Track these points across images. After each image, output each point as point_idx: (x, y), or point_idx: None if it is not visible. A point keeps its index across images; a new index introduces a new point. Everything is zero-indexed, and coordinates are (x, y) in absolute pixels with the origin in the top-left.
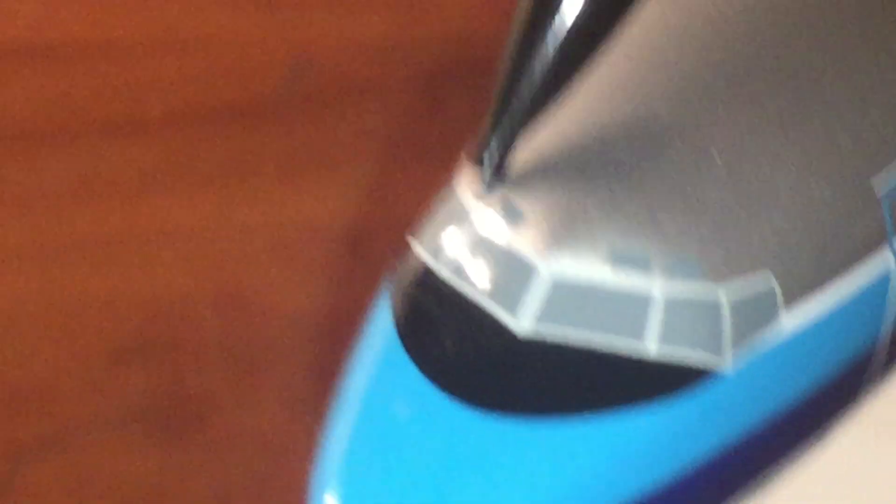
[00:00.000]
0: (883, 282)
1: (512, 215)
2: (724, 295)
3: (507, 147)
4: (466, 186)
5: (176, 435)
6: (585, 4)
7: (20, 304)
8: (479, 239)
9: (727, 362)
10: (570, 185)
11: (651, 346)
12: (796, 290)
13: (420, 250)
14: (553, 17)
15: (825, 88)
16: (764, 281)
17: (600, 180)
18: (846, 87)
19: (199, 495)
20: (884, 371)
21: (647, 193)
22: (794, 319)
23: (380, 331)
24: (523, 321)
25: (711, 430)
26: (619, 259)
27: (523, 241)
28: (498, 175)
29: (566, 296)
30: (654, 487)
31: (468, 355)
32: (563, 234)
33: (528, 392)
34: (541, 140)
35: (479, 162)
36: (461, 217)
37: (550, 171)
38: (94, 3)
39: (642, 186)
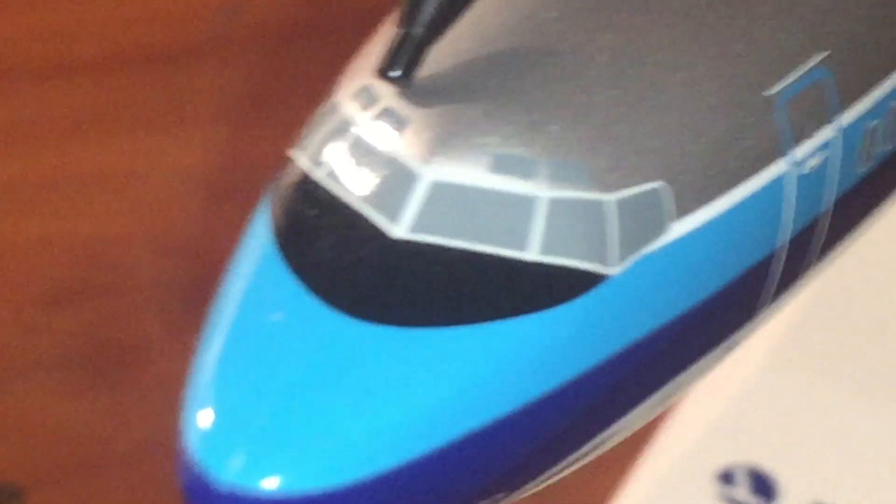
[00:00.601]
0: (779, 189)
1: (395, 122)
2: (610, 200)
3: (423, 47)
4: (349, 96)
5: (110, 378)
6: None
7: None
8: (360, 146)
9: (614, 269)
10: (455, 93)
11: (534, 252)
12: (687, 198)
13: (300, 158)
14: None
15: None
16: (653, 187)
17: (485, 88)
18: None
19: (134, 439)
20: (790, 284)
21: (532, 100)
22: (684, 226)
23: (257, 239)
24: (402, 227)
25: (599, 337)
26: (502, 165)
27: (406, 147)
28: (409, 76)
29: (447, 202)
30: (543, 396)
31: (346, 263)
32: (445, 140)
33: (407, 300)
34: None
35: (390, 62)
36: (343, 126)
37: (434, 78)
38: None
39: (527, 93)
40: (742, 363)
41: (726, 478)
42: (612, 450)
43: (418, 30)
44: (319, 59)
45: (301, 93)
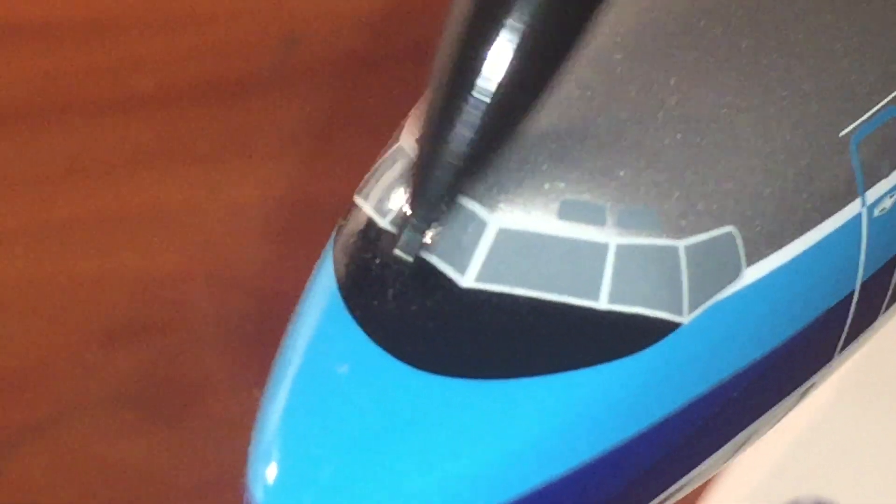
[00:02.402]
0: (853, 232)
1: None
2: (681, 247)
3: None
4: (413, 141)
5: (168, 418)
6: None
7: (9, 286)
8: None
9: (686, 317)
10: (521, 138)
11: (604, 300)
12: (760, 243)
13: (365, 206)
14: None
15: (789, 35)
16: (724, 232)
17: (552, 132)
18: (813, 35)
19: (192, 479)
20: (864, 327)
21: (600, 144)
22: (757, 272)
23: (322, 288)
24: (469, 277)
25: (672, 387)
26: (570, 211)
27: (472, 194)
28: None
29: (514, 249)
30: (612, 450)
31: (412, 313)
32: (512, 186)
33: (474, 352)
34: None
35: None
36: (407, 172)
37: None
38: None
39: (594, 136)
40: (810, 397)
41: None
42: None
43: (418, 216)
44: (377, 91)
45: (359, 126)
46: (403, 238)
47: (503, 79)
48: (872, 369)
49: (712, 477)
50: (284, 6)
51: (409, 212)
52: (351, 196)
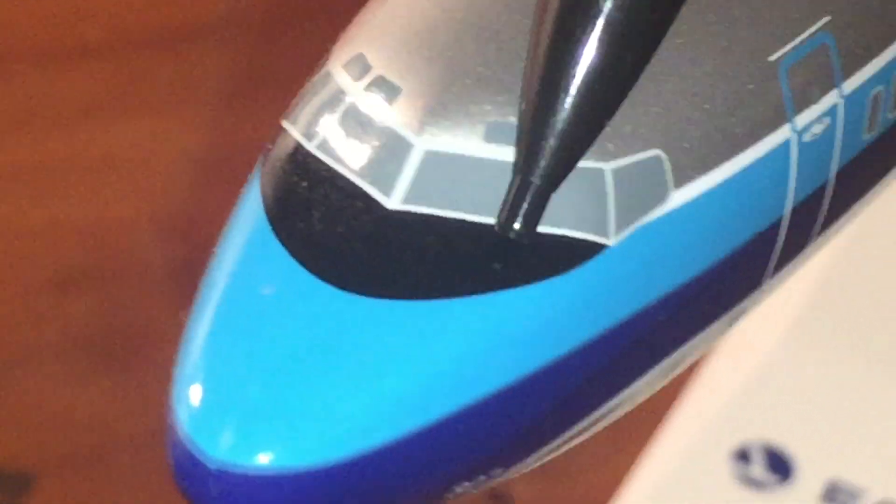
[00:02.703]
0: (782, 157)
1: (388, 92)
2: (608, 170)
3: (544, 197)
4: (341, 66)
5: (119, 362)
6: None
7: None
8: (353, 116)
9: (612, 239)
10: (448, 60)
11: None
12: (687, 167)
13: (292, 130)
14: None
15: None
16: (651, 156)
17: (480, 57)
18: None
19: (143, 423)
20: (795, 254)
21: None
22: (684, 195)
23: (248, 212)
24: (396, 199)
25: (599, 308)
26: (497, 134)
27: (398, 117)
28: (531, 229)
29: (441, 171)
30: (541, 369)
31: (339, 236)
32: (438, 109)
33: (401, 272)
34: (416, 13)
35: (510, 216)
36: (335, 96)
37: (427, 46)
38: None
39: (521, 60)
40: (756, 341)
41: (742, 456)
42: (627, 431)
43: (538, 179)
44: (322, 38)
45: (304, 72)
46: (520, 202)
47: (596, 75)
48: (818, 313)
49: (659, 423)
50: None
51: (521, 179)
52: None
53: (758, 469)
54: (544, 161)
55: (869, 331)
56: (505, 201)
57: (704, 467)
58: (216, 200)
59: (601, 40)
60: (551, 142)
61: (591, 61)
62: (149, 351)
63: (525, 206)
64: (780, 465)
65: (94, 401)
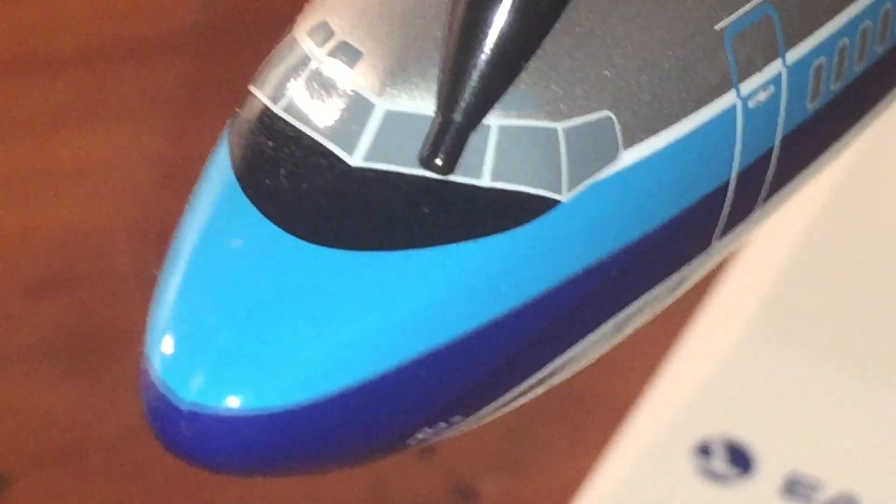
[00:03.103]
0: (728, 122)
1: (350, 56)
2: (560, 129)
3: (465, 134)
4: (305, 32)
5: (91, 367)
6: None
7: None
8: (317, 79)
9: (564, 195)
10: (407, 25)
11: (486, 178)
12: (636, 128)
13: (259, 94)
14: None
15: None
16: (601, 117)
17: (436, 19)
18: None
19: (117, 428)
20: (742, 218)
21: None
22: (634, 155)
23: (217, 171)
24: (358, 156)
25: (550, 262)
26: None
27: (360, 79)
28: (453, 165)
29: (401, 130)
30: (494, 320)
31: (305, 191)
32: (398, 71)
33: (363, 225)
34: None
35: (432, 152)
36: (301, 61)
37: (388, 13)
38: None
39: None
40: (718, 337)
41: (703, 450)
42: (590, 427)
43: (459, 116)
44: None
45: None
46: (443, 140)
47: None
48: (777, 310)
49: (622, 419)
50: None
51: (442, 117)
52: None
53: (719, 463)
54: (464, 101)
55: (827, 327)
56: (427, 139)
57: (667, 462)
58: (185, 206)
59: None
60: (471, 83)
61: (507, 7)
62: (120, 354)
63: (446, 142)
64: (740, 459)
65: (68, 403)
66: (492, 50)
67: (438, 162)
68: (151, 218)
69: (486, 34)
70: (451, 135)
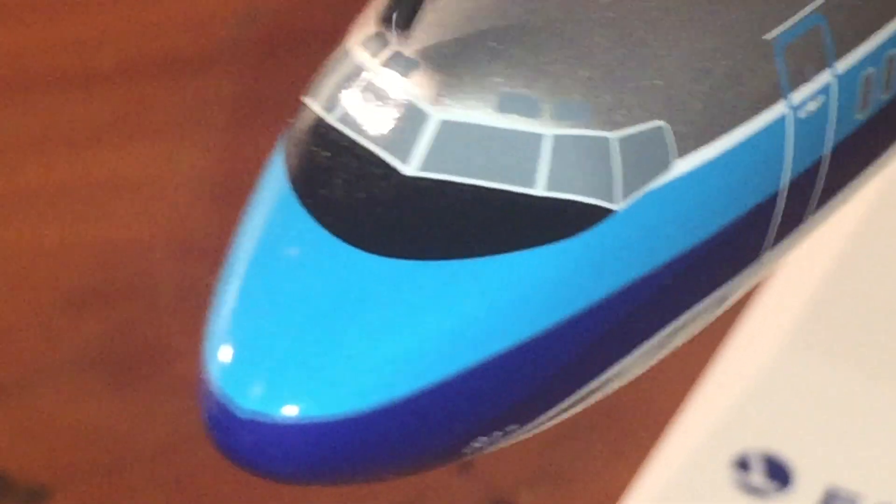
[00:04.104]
0: (778, 131)
1: (404, 66)
2: (613, 138)
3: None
4: (359, 43)
5: (132, 380)
6: None
7: None
8: (372, 90)
9: (618, 204)
10: (462, 36)
11: (541, 187)
12: (688, 138)
13: (313, 104)
14: None
15: None
16: (654, 126)
17: (490, 31)
18: None
19: (157, 441)
20: (791, 228)
21: (536, 41)
22: (686, 165)
23: (272, 181)
24: (413, 166)
25: (604, 270)
26: (508, 104)
27: (415, 89)
28: (409, 24)
29: (456, 140)
30: (548, 329)
31: (360, 201)
32: (453, 81)
33: (419, 235)
34: None
35: (391, 11)
36: (355, 71)
37: (441, 23)
38: None
39: (531, 34)
40: (757, 350)
41: (742, 464)
42: (629, 439)
43: None
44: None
45: None
46: (395, 4)
47: None
48: (820, 319)
49: (661, 431)
50: None
51: None
52: None
53: (757, 477)
54: None
55: (866, 339)
56: (387, 3)
57: (705, 475)
58: (226, 221)
59: None
60: None
61: None
62: (161, 368)
63: (406, 3)
64: (779, 473)
65: (108, 416)
66: None
67: (396, 20)
68: (191, 232)
69: None
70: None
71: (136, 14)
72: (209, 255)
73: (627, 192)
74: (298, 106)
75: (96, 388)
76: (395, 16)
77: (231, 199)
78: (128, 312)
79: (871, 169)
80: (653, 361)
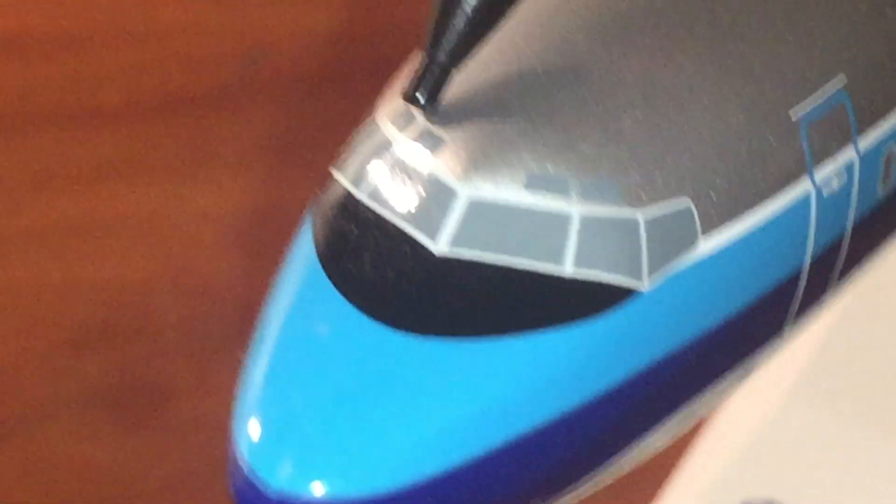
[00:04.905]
0: (803, 209)
1: (432, 143)
2: (641, 217)
3: (446, 73)
4: (388, 118)
5: (136, 420)
6: None
7: None
8: (400, 166)
9: (645, 284)
10: (490, 114)
11: (568, 266)
12: (714, 216)
13: (341, 178)
14: None
15: (743, 20)
16: (681, 205)
17: (518, 108)
18: (766, 19)
19: (160, 480)
20: (813, 302)
21: (564, 119)
22: (712, 243)
23: (300, 257)
24: (441, 244)
25: (632, 350)
26: (536, 182)
27: (443, 166)
28: (434, 101)
29: (484, 218)
30: (574, 408)
31: (388, 278)
32: (481, 159)
33: (447, 313)
34: (457, 68)
35: (415, 88)
36: (382, 146)
37: (470, 101)
38: None
39: (559, 113)
40: (762, 399)
41: None
42: (633, 489)
43: (442, 56)
44: (338, 105)
45: (320, 139)
46: (425, 77)
47: None
48: (823, 370)
49: (665, 480)
50: (248, 21)
51: (428, 57)
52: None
53: None
54: (448, 42)
55: (869, 392)
56: (413, 77)
57: None
58: (231, 260)
59: None
60: (456, 24)
61: None
62: (164, 407)
63: (429, 80)
64: None
65: (112, 455)
66: None
67: (420, 97)
68: (195, 271)
69: None
70: (434, 73)
71: (141, 52)
72: (213, 294)
73: (654, 270)
74: (327, 177)
75: (100, 426)
76: (420, 90)
77: (236, 238)
78: (131, 351)
79: (891, 240)
80: (675, 435)
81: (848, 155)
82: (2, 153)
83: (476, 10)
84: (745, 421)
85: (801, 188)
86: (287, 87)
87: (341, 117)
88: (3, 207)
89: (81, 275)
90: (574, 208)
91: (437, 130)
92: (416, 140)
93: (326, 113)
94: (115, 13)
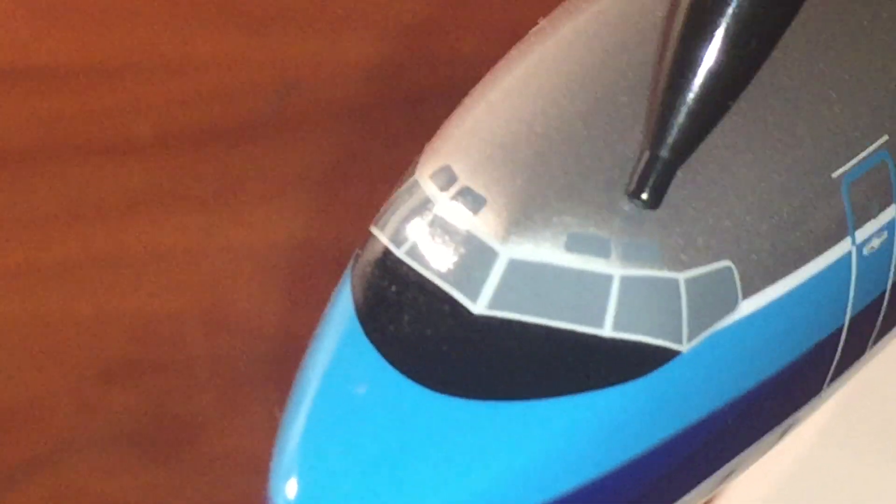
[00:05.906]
0: (843, 269)
1: (473, 202)
2: (682, 279)
3: (671, 170)
4: (428, 176)
5: (164, 454)
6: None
7: (9, 325)
8: (440, 225)
9: (684, 345)
10: (530, 173)
11: (608, 328)
12: (755, 278)
13: (381, 236)
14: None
15: (784, 81)
16: (722, 266)
17: (559, 167)
18: (807, 81)
19: None
20: (852, 361)
21: (605, 180)
22: (752, 305)
23: (340, 313)
24: (481, 304)
25: (670, 412)
26: (578, 243)
27: (484, 226)
28: (659, 199)
29: (525, 279)
30: (613, 470)
31: (427, 338)
32: (522, 219)
33: (486, 374)
34: (499, 127)
35: (640, 187)
36: (423, 205)
37: (511, 159)
38: (84, 27)
39: (601, 174)
40: (791, 441)
41: None
42: None
43: (666, 153)
44: (369, 137)
45: (349, 172)
46: (650, 175)
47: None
48: (855, 410)
49: None
50: (280, 54)
51: (651, 154)
52: (345, 238)
53: None
54: (671, 137)
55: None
56: (633, 173)
57: None
58: (262, 295)
59: (728, 29)
60: (679, 119)
61: (717, 47)
62: (193, 442)
63: (653, 178)
64: None
65: (140, 489)
66: (700, 88)
67: (644, 196)
68: (226, 305)
69: (695, 73)
70: (658, 170)
71: (173, 84)
72: (243, 329)
73: (694, 333)
74: (366, 236)
75: (129, 460)
76: (647, 189)
77: (267, 273)
78: (161, 385)
79: None
80: (713, 491)
81: (889, 214)
82: (34, 186)
83: (700, 103)
84: (772, 464)
85: (842, 248)
86: (321, 120)
87: (375, 151)
88: (34, 240)
89: (111, 308)
90: (615, 270)
91: (477, 189)
92: (456, 199)
93: (360, 146)
94: (148, 45)
